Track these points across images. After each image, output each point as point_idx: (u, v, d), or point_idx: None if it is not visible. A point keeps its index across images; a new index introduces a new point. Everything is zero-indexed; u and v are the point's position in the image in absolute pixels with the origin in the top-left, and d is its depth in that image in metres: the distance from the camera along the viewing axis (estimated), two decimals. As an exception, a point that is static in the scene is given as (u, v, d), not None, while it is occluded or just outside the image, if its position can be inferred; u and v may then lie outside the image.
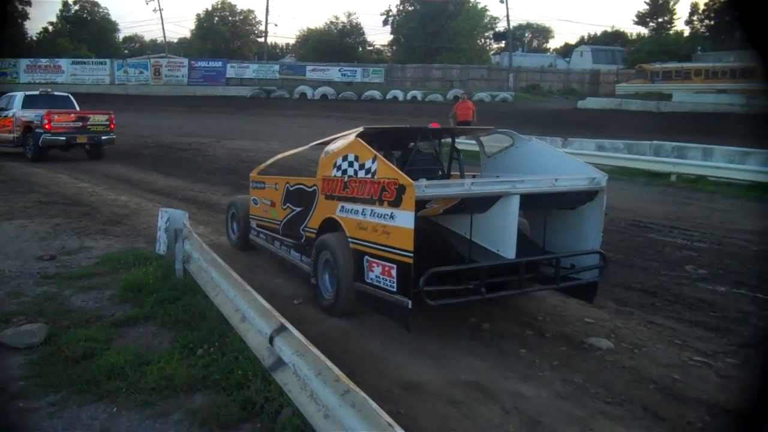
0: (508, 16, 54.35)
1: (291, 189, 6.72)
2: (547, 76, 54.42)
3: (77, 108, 17.22)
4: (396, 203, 4.72)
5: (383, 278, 4.90)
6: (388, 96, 44.59)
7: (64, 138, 15.79)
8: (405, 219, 4.61)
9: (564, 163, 5.90)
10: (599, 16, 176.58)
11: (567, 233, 5.76)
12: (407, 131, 6.70)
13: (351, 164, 5.45)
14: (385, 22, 66.20)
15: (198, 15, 67.71)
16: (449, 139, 7.04)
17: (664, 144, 16.78)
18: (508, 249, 4.98)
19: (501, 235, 5.04)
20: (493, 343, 5.08)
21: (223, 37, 63.34)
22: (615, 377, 4.50)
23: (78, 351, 4.54)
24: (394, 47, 66.86)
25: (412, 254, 4.55)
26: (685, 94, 36.60)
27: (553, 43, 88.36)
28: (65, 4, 64.44)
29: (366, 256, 5.12)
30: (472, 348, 4.98)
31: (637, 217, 10.26)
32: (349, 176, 5.44)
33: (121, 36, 72.26)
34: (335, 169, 5.68)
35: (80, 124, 16.10)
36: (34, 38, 60.44)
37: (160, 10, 54.83)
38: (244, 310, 4.40)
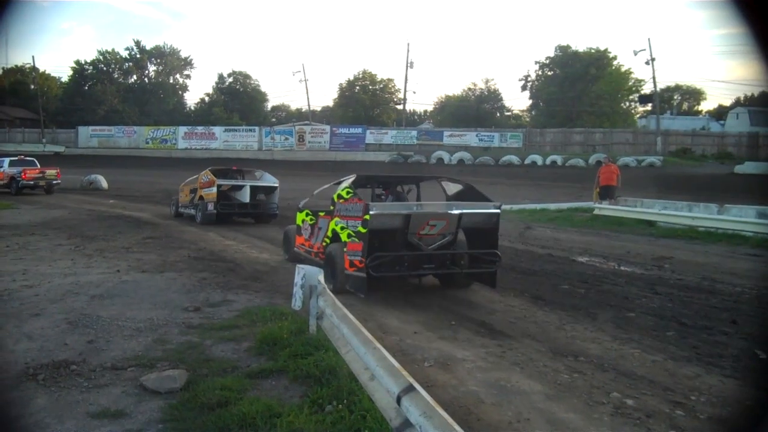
0: (654, 77, 51.84)
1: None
2: (699, 139, 51.05)
3: (38, 166, 27.98)
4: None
5: None
6: (527, 161, 44.09)
7: (32, 182, 27.25)
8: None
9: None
10: (755, 76, 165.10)
11: None
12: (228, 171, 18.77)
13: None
14: (524, 88, 66.29)
15: (340, 84, 71.66)
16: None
17: (839, 211, 15.01)
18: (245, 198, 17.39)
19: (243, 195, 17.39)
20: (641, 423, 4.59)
21: (363, 104, 66.14)
22: None
23: (213, 399, 4.66)
24: (532, 112, 66.50)
25: None
26: None
27: (706, 105, 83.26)
28: (220, 77, 71.03)
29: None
30: (615, 427, 4.53)
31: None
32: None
33: (269, 105, 78.02)
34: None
35: (41, 174, 27.46)
36: (192, 108, 66.89)
37: (305, 81, 58.98)
38: (372, 368, 4.30)
